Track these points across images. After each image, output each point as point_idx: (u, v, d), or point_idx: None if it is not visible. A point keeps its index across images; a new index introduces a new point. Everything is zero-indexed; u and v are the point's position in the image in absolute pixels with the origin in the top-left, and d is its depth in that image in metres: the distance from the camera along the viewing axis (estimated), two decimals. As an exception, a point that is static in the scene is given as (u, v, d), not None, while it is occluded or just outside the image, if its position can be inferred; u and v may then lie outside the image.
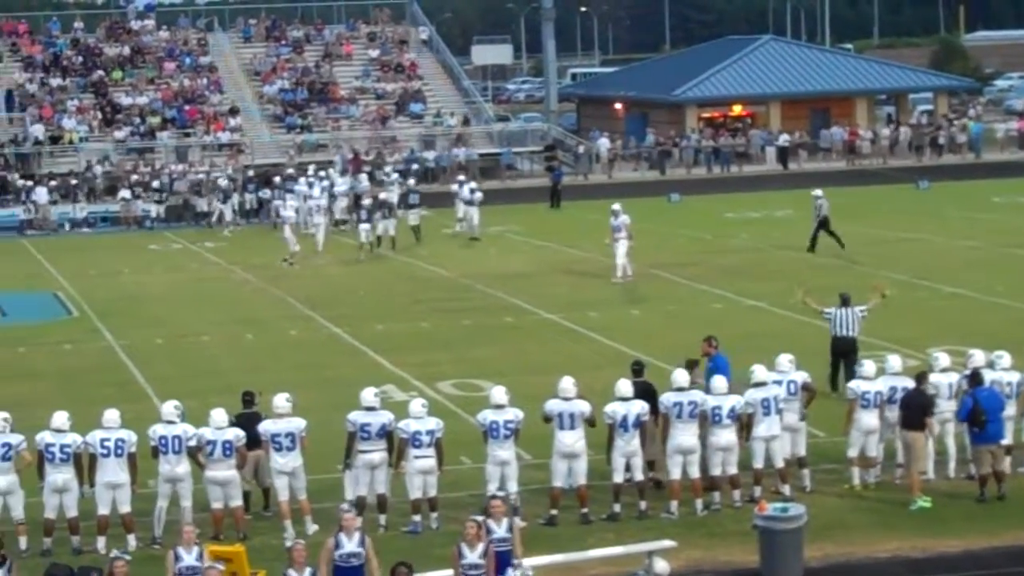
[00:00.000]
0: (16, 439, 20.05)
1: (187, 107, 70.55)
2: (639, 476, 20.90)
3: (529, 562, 16.85)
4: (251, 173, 59.32)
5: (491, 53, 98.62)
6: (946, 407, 21.85)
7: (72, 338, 35.30)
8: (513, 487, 20.39)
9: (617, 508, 20.75)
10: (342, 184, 54.74)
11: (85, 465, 20.09)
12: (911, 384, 21.60)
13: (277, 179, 56.04)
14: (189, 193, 58.82)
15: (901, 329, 31.47)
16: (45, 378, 30.95)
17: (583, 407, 20.80)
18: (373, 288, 40.99)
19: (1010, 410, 21.86)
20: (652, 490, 21.22)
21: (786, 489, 21.12)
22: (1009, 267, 40.50)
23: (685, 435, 20.89)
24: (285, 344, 33.72)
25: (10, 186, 60.37)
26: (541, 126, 76.38)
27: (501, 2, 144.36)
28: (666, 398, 21.07)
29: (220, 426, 20.41)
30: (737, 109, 77.02)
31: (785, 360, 22.13)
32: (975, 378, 21.58)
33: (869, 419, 21.65)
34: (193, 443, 20.31)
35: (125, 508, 20.06)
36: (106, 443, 20.02)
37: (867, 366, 22.01)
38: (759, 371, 21.42)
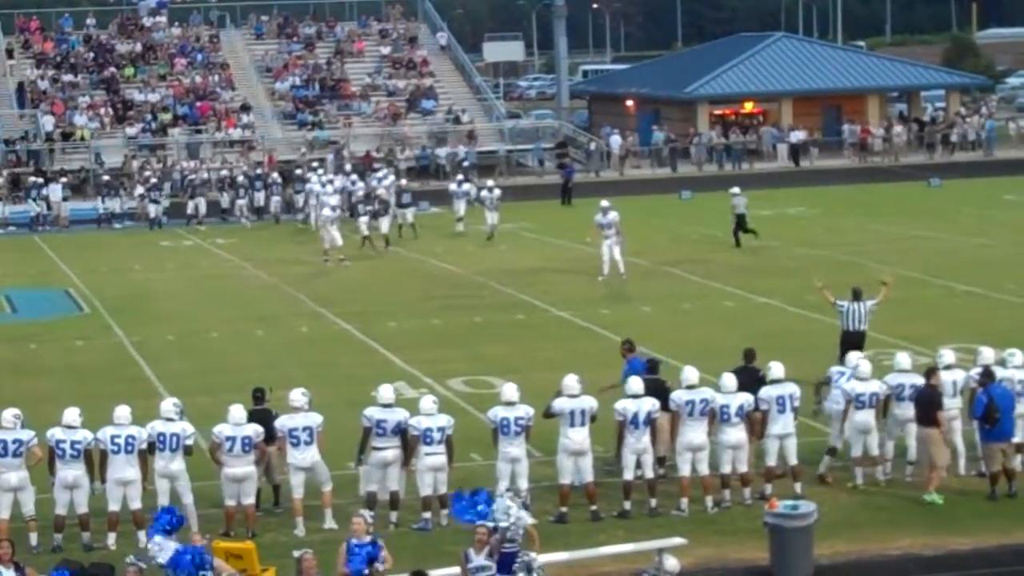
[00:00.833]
0: (27, 435, 20.05)
1: (199, 104, 70.61)
2: (649, 473, 20.92)
3: (540, 559, 16.84)
4: (272, 173, 59.20)
5: (502, 50, 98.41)
6: (951, 404, 21.78)
7: (83, 335, 35.31)
8: (524, 484, 20.41)
9: (627, 505, 20.77)
10: (337, 182, 54.63)
11: (96, 461, 20.10)
12: (920, 381, 21.57)
13: (301, 173, 56.20)
14: (206, 189, 58.82)
15: (912, 326, 31.43)
16: (56, 374, 30.95)
17: (592, 402, 20.87)
18: (384, 285, 40.98)
19: (1021, 408, 21.83)
20: (664, 483, 21.22)
21: (798, 487, 21.10)
22: (1020, 265, 40.32)
23: (695, 432, 20.94)
24: (296, 341, 33.72)
25: (23, 183, 60.37)
26: (552, 123, 76.34)
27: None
28: (677, 395, 21.11)
29: (239, 422, 20.38)
30: (749, 106, 76.91)
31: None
32: (988, 375, 21.53)
33: (865, 418, 21.62)
34: (190, 442, 20.32)
35: (136, 504, 20.06)
36: (117, 440, 20.03)
37: (862, 366, 21.94)
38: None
